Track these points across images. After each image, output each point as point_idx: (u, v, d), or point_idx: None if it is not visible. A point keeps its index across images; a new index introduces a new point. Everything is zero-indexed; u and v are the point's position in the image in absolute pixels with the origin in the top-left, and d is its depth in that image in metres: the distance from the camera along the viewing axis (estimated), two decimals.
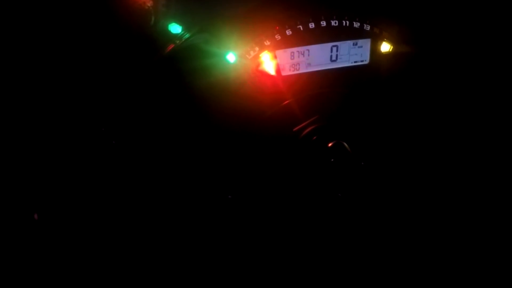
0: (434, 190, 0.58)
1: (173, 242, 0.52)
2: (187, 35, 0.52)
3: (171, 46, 0.53)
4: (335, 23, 0.54)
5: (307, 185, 0.53)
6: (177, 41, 0.53)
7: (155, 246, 0.52)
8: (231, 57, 0.52)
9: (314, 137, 0.52)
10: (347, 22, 0.55)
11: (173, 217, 0.51)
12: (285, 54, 0.53)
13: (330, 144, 0.49)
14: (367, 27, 0.56)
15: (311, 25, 0.53)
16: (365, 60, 0.57)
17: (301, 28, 0.53)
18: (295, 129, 0.52)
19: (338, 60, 0.56)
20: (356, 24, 0.55)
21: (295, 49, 0.53)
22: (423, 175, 0.58)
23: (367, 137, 0.54)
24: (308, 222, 0.53)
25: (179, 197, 0.51)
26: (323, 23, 0.54)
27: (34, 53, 0.49)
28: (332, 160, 0.49)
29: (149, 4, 0.51)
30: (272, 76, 0.53)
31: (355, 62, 0.57)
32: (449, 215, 0.59)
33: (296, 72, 0.54)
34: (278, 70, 0.53)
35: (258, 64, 0.52)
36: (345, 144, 0.50)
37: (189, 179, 0.50)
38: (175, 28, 0.55)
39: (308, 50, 0.54)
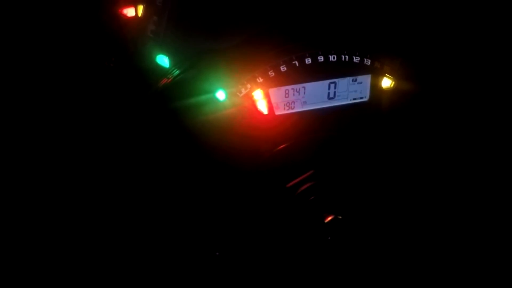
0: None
1: None
2: (177, 72, 0.48)
3: (163, 81, 0.50)
4: (334, 58, 0.51)
5: (300, 245, 0.49)
6: (169, 76, 0.50)
7: None
8: (220, 94, 0.48)
9: (311, 197, 0.48)
10: (346, 57, 0.51)
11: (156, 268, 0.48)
12: (279, 92, 0.49)
13: (327, 219, 0.45)
14: (368, 62, 0.52)
15: (308, 61, 0.49)
16: (365, 97, 0.53)
17: (297, 64, 0.49)
18: (288, 185, 0.49)
19: (336, 97, 0.52)
20: (356, 59, 0.52)
21: (290, 87, 0.50)
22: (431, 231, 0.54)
23: (367, 193, 0.51)
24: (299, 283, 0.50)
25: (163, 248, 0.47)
26: (321, 58, 0.50)
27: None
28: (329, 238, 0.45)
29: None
30: (264, 115, 0.49)
31: (354, 99, 0.53)
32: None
33: (290, 111, 0.51)
34: (271, 109, 0.50)
35: (250, 103, 0.49)
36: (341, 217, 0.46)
37: (174, 232, 0.47)
38: (162, 60, 0.52)
39: (304, 87, 0.50)
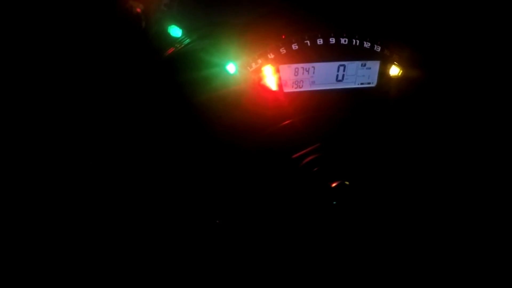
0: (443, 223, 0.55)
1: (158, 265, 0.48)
2: (187, 41, 0.49)
3: (170, 50, 0.50)
4: (345, 41, 0.51)
5: (302, 216, 0.49)
6: (177, 45, 0.50)
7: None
8: (231, 67, 0.48)
9: (315, 168, 0.48)
10: (357, 41, 0.52)
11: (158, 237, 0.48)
12: (289, 69, 0.50)
13: (333, 185, 0.46)
14: (378, 48, 0.53)
15: (319, 41, 0.50)
16: (372, 83, 0.54)
17: (308, 44, 0.50)
18: (294, 156, 0.49)
19: (344, 80, 0.52)
20: (367, 44, 0.52)
21: (300, 65, 0.50)
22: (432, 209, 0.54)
23: (370, 169, 0.51)
24: (299, 254, 0.50)
25: (165, 215, 0.47)
26: (332, 40, 0.51)
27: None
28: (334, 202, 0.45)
29: (138, 10, 0.48)
30: (273, 91, 0.50)
31: (361, 84, 0.54)
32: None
33: (299, 89, 0.51)
34: (280, 86, 0.50)
35: (259, 78, 0.49)
36: (348, 183, 0.46)
37: (176, 198, 0.47)
38: (175, 31, 0.52)
39: (314, 67, 0.51)
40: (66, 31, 0.46)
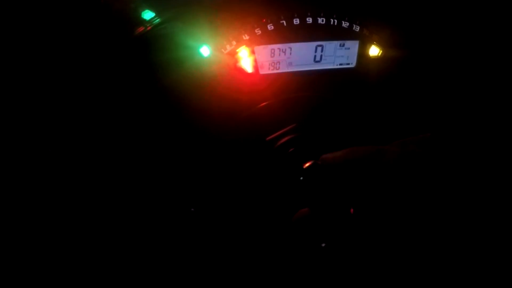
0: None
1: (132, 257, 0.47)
2: (158, 20, 0.47)
3: (140, 29, 0.48)
4: (322, 20, 0.50)
5: (278, 199, 0.48)
6: (147, 25, 0.48)
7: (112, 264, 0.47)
8: (205, 50, 0.47)
9: (291, 149, 0.47)
10: (335, 21, 0.50)
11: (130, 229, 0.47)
12: (264, 50, 0.48)
13: (305, 165, 0.45)
14: (357, 28, 0.52)
15: (296, 21, 0.49)
16: (352, 64, 0.53)
17: (285, 24, 0.48)
18: (268, 138, 0.48)
19: (322, 61, 0.51)
20: (345, 24, 0.51)
21: (276, 46, 0.49)
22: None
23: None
24: (276, 240, 0.49)
25: (138, 206, 0.46)
26: (309, 20, 0.49)
27: None
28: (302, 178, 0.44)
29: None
30: (248, 74, 0.48)
31: (340, 64, 0.52)
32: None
33: (275, 71, 0.50)
34: (256, 68, 0.49)
35: (234, 60, 0.48)
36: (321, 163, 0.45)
37: (149, 186, 0.46)
38: (149, 16, 0.50)
39: (291, 48, 0.49)
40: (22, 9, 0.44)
